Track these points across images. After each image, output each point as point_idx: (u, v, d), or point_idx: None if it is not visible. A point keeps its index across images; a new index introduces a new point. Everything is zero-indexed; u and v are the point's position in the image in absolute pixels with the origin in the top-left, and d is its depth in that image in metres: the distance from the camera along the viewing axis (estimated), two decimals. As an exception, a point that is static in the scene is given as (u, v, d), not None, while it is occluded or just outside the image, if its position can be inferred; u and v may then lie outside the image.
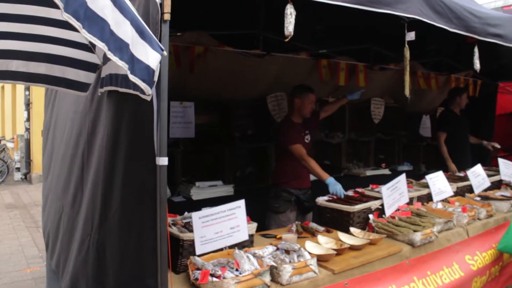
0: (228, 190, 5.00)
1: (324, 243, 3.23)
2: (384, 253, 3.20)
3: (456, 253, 3.77)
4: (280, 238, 3.34)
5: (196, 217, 2.80)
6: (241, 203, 3.00)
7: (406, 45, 3.37)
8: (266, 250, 2.90)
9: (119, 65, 1.58)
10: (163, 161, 2.16)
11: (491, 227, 4.26)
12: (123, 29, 1.60)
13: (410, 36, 3.44)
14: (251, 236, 3.09)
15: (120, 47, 1.59)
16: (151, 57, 1.73)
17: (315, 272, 2.74)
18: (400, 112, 7.60)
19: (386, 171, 6.89)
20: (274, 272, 2.62)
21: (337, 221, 3.74)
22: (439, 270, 3.55)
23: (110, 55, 1.57)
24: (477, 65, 4.05)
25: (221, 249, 2.89)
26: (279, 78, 5.31)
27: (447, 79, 7.25)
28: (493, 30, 3.98)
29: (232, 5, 3.99)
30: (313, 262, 2.75)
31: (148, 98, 2.03)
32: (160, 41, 2.13)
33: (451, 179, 5.19)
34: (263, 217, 4.52)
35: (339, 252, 3.08)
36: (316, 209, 4.00)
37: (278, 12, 3.52)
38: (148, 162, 2.21)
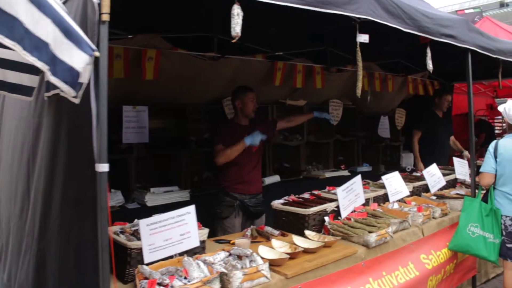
0: (184, 195, 4.91)
1: (278, 247, 3.18)
2: (339, 255, 3.18)
3: (412, 252, 3.80)
4: (234, 244, 3.28)
5: (143, 224, 2.71)
6: (191, 209, 2.92)
7: (358, 47, 3.34)
8: (218, 256, 2.84)
9: (38, 66, 1.49)
10: (103, 167, 2.08)
11: (446, 225, 4.32)
12: (42, 27, 1.51)
13: (363, 38, 3.41)
14: (202, 242, 3.02)
15: (38, 46, 1.49)
16: (77, 58, 1.64)
17: (267, 277, 2.69)
18: (358, 114, 7.63)
19: (346, 173, 6.91)
20: (224, 279, 2.55)
21: (292, 225, 3.71)
22: (395, 270, 3.56)
23: (26, 55, 1.48)
24: (429, 65, 4.08)
25: (171, 257, 2.81)
26: (235, 80, 5.24)
27: (404, 80, 7.31)
28: (446, 31, 4.03)
29: (185, 7, 3.91)
30: (265, 267, 2.69)
31: (76, 101, 1.93)
32: (98, 42, 2.04)
33: (408, 179, 5.24)
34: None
35: (292, 256, 3.04)
36: (271, 213, 3.94)
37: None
38: (88, 169, 2.12)
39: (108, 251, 2.08)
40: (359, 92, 3.40)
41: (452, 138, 6.73)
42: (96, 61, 2.02)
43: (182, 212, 2.89)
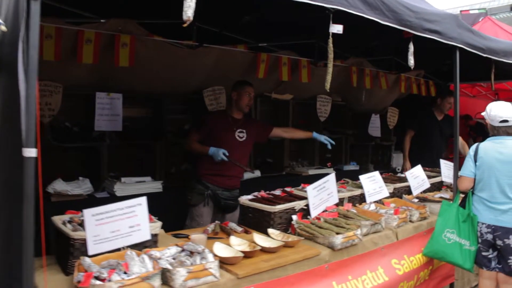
0: (156, 186, 4.80)
1: (236, 245, 3.06)
2: (299, 256, 3.06)
3: (382, 256, 3.66)
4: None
5: (88, 214, 2.60)
6: (142, 200, 2.81)
7: (330, 38, 3.21)
8: (168, 252, 2.72)
9: None
10: (30, 152, 1.95)
11: (423, 230, 4.19)
12: None
13: (337, 28, 3.28)
14: (154, 236, 2.89)
15: None
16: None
17: (215, 276, 2.56)
18: (348, 111, 7.54)
19: (331, 171, 6.70)
20: (167, 275, 2.43)
21: (258, 222, 3.60)
22: (362, 274, 3.43)
23: None
24: (411, 61, 3.93)
25: (119, 249, 2.69)
26: (216, 71, 5.13)
27: (397, 79, 7.19)
28: (430, 26, 3.88)
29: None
30: (213, 265, 2.57)
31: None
32: (28, 20, 1.93)
33: (390, 180, 5.14)
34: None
35: (249, 254, 2.92)
36: (240, 208, 3.82)
37: (213, 1, 3.40)
38: (16, 154, 1.99)
39: (32, 242, 1.96)
40: (327, 86, 3.27)
41: (462, 142, 6.28)
42: (26, 41, 1.91)
43: (132, 204, 2.77)
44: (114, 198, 4.46)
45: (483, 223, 3.96)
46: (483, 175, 3.98)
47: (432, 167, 6.00)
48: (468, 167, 4.08)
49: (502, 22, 10.45)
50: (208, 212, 4.28)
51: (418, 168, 5.20)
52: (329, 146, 4.63)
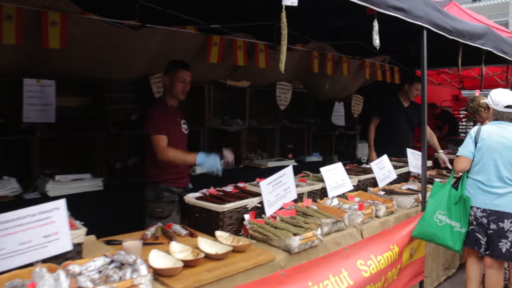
0: (96, 184, 4.38)
1: (176, 252, 2.67)
2: (250, 263, 2.70)
3: (347, 258, 3.33)
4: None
5: (-11, 223, 2.16)
6: (61, 203, 2.39)
7: (283, 10, 2.88)
8: (92, 264, 2.30)
9: None
10: None
11: (390, 225, 3.93)
12: None
13: (291, 1, 2.93)
14: (77, 245, 2.48)
15: None
16: None
17: (146, 292, 2.17)
18: (310, 99, 7.38)
19: (292, 163, 6.54)
20: (84, 296, 2.02)
21: (206, 223, 3.25)
22: (324, 279, 3.08)
23: None
24: (376, 41, 3.61)
25: (32, 265, 2.27)
26: (163, 55, 4.70)
27: (361, 64, 7.00)
28: (395, 3, 3.60)
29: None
30: (144, 280, 2.17)
31: None
32: None
33: (354, 171, 4.91)
34: (143, 216, 3.96)
35: (190, 264, 2.54)
36: (186, 208, 3.45)
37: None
38: None
39: None
40: (282, 66, 2.93)
41: (429, 131, 6.11)
42: None
43: (48, 208, 2.36)
44: (46, 199, 3.98)
45: (478, 208, 4.01)
46: (482, 157, 4.03)
47: (399, 157, 5.82)
48: (468, 147, 4.10)
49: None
50: (179, 221, 3.86)
51: (384, 158, 4.98)
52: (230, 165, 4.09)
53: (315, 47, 6.14)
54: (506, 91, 4.12)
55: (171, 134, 3.86)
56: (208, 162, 3.71)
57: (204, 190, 3.57)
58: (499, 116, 4.07)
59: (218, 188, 3.69)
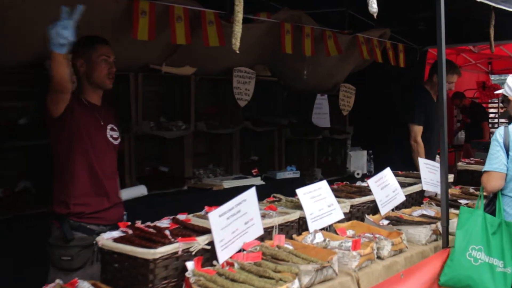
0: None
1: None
2: None
3: (336, 321, 3.34)
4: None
5: None
6: None
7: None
8: None
9: None
10: None
11: (400, 270, 3.92)
12: None
13: None
14: None
15: None
16: None
17: None
18: (282, 90, 7.55)
19: (258, 181, 6.62)
20: None
21: (130, 277, 3.10)
22: None
23: None
24: (373, 5, 3.65)
25: None
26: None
27: (352, 41, 7.13)
28: None
29: None
30: None
31: None
32: None
33: (345, 192, 4.90)
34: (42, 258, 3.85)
35: None
36: (100, 255, 3.34)
37: None
38: None
39: None
40: (237, 44, 3.14)
41: None
42: None
43: None
44: None
45: None
46: None
47: None
48: (498, 159, 4.17)
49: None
50: (98, 270, 3.61)
51: (387, 173, 5.01)
52: None
53: (286, 17, 6.20)
54: None
55: (89, 146, 3.92)
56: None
57: (125, 228, 3.44)
58: None
59: (148, 223, 3.57)
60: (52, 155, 3.97)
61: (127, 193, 5.30)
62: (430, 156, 6.34)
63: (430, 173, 5.36)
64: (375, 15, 3.74)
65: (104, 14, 4.92)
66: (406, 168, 5.94)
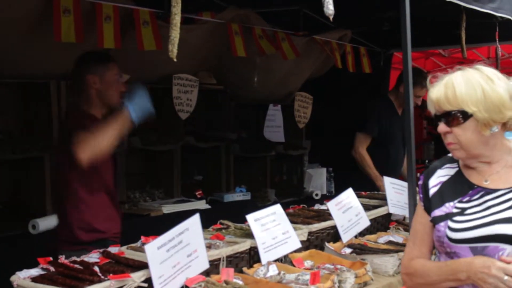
0: None
1: None
2: None
3: None
4: None
5: None
6: None
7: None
8: None
9: None
10: None
11: None
12: None
13: None
14: None
15: None
16: None
17: None
18: (229, 101, 7.55)
19: (202, 204, 6.69)
20: None
21: None
22: None
23: None
24: (329, 6, 3.63)
25: None
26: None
27: (308, 43, 7.22)
28: None
29: None
30: None
31: None
32: None
33: (302, 217, 4.95)
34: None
35: None
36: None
37: None
38: None
39: None
40: (174, 50, 3.12)
41: None
42: None
43: None
44: None
45: None
46: None
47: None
48: None
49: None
50: None
51: (349, 194, 5.07)
52: None
53: (233, 17, 6.25)
54: None
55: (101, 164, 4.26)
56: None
57: (46, 265, 3.43)
58: None
59: (73, 258, 3.55)
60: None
61: (43, 223, 5.33)
62: (391, 173, 6.36)
63: (397, 194, 5.41)
64: (331, 17, 3.80)
65: (19, 9, 4.88)
66: (371, 188, 6.01)
